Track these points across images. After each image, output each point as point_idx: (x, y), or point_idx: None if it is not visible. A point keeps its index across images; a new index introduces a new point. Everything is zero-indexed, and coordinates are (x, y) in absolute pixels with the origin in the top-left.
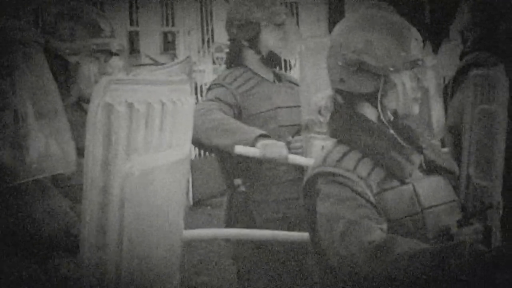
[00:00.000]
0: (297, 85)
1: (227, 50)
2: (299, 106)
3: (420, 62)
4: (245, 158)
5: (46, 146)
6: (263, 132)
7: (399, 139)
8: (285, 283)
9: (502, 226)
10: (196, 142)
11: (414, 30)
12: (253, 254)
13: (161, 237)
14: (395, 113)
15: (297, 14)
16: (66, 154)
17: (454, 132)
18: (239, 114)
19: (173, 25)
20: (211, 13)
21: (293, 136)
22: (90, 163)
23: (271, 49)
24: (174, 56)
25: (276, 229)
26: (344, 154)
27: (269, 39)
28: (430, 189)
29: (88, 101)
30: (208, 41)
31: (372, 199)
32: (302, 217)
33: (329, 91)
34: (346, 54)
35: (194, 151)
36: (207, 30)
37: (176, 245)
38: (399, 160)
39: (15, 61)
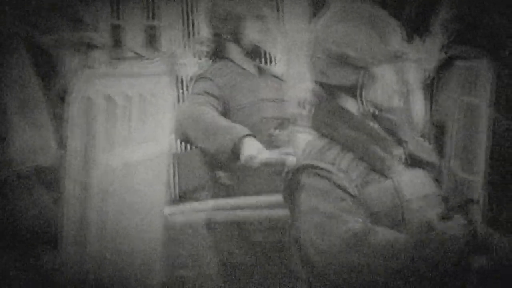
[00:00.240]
0: (280, 78)
1: (210, 43)
2: (282, 100)
3: (402, 56)
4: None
5: (27, 138)
6: (247, 132)
7: (380, 132)
8: (268, 275)
9: (488, 221)
10: (186, 141)
11: (395, 22)
12: (235, 246)
13: (142, 231)
14: (376, 106)
15: (280, 8)
16: (46, 146)
17: (438, 125)
18: (224, 106)
19: (156, 18)
20: (193, 7)
21: (276, 129)
22: (69, 156)
23: (254, 42)
24: (157, 50)
25: (259, 222)
26: (326, 147)
27: (251, 32)
28: (412, 182)
29: None
30: (190, 35)
31: (353, 192)
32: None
33: (310, 84)
34: (327, 46)
35: (179, 145)
36: (190, 24)
37: (157, 239)
38: (380, 153)
39: None
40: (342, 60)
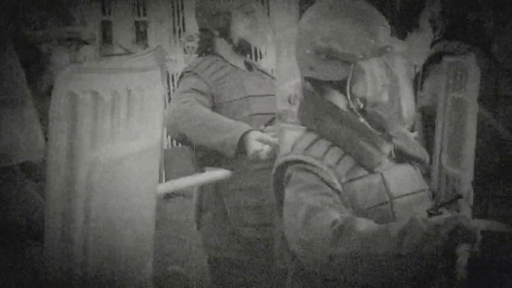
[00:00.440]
0: (269, 74)
1: (198, 39)
2: (271, 95)
3: (388, 49)
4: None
5: (13, 134)
6: (249, 128)
7: (368, 127)
8: (256, 271)
9: (477, 217)
10: (182, 140)
11: (382, 17)
12: (223, 242)
13: (130, 228)
14: (364, 101)
15: (267, 4)
16: (33, 142)
17: (423, 118)
18: (212, 102)
19: (145, 15)
20: (182, 3)
21: (265, 125)
22: (53, 152)
23: (242, 38)
24: (146, 46)
25: (248, 218)
26: (313, 142)
27: (240, 28)
28: (400, 178)
29: None
30: (179, 31)
31: (339, 188)
32: (273, 206)
33: (299, 80)
34: (315, 41)
35: (167, 141)
36: (179, 20)
37: (147, 236)
38: (368, 149)
39: None
40: (331, 56)
